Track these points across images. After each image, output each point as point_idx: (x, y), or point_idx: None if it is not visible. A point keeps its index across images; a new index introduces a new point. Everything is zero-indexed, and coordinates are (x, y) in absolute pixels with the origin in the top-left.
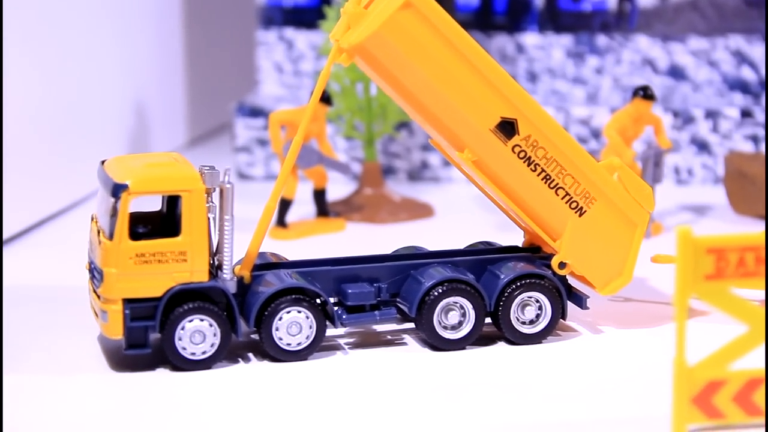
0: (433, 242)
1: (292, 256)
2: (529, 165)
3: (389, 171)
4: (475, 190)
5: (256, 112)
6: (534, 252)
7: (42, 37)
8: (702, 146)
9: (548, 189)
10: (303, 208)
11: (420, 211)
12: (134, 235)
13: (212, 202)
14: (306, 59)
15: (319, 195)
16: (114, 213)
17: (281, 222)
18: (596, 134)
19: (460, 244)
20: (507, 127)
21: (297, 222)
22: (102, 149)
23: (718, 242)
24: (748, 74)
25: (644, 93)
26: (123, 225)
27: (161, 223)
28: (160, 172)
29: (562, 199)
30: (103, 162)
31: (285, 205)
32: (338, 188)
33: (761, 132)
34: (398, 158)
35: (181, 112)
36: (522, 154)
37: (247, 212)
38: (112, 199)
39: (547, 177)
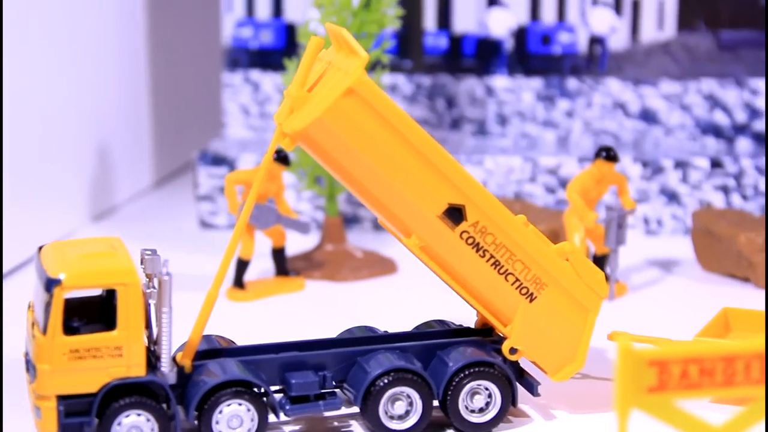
0: (394, 301)
1: (248, 318)
2: (477, 251)
3: (354, 220)
4: None
5: (219, 161)
6: (487, 334)
7: (4, 78)
8: (672, 197)
9: (497, 275)
10: (263, 264)
11: (382, 267)
12: (69, 329)
13: (153, 287)
14: (272, 101)
15: (278, 254)
16: (47, 307)
17: (239, 283)
18: (564, 183)
19: (421, 306)
20: (454, 214)
21: (255, 281)
22: (64, 192)
23: (660, 355)
24: (720, 118)
25: (607, 154)
26: (56, 320)
27: (101, 308)
28: (96, 265)
29: (512, 285)
30: (40, 248)
31: (242, 265)
32: (300, 242)
33: (731, 182)
34: (363, 208)
35: (146, 153)
36: (470, 241)
37: (208, 265)
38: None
39: (497, 263)
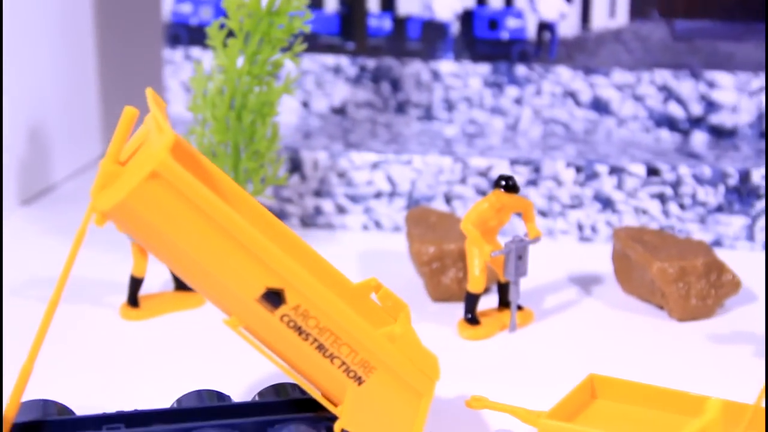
0: None
1: (138, 341)
2: (300, 335)
3: (281, 216)
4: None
5: None
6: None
7: None
8: (606, 203)
9: (323, 358)
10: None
11: None
12: None
13: None
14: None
15: None
16: None
17: (132, 300)
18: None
19: None
20: (273, 297)
21: (151, 297)
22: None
23: None
24: (675, 110)
25: (506, 185)
26: None
27: None
28: None
29: (339, 368)
30: None
31: (135, 283)
32: None
33: (668, 191)
34: (291, 203)
35: (87, 131)
36: (291, 324)
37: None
38: None
39: (321, 346)
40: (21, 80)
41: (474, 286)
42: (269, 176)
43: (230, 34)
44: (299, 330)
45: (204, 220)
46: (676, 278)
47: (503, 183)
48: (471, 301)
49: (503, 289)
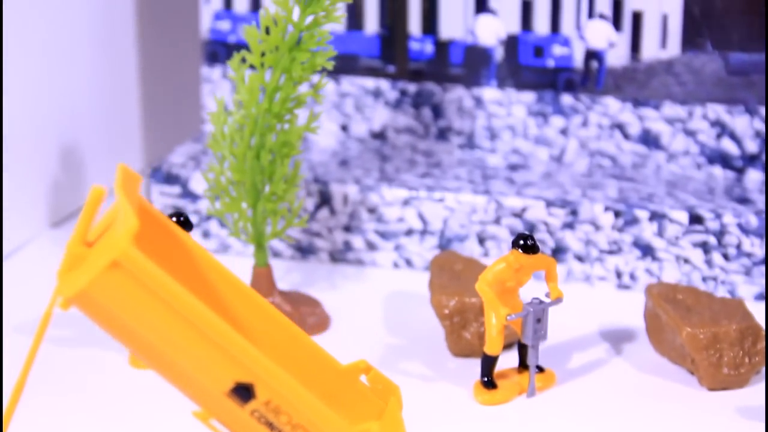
0: None
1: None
2: (271, 430)
3: (310, 251)
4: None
5: (172, 179)
6: None
7: None
8: (646, 250)
9: None
10: None
11: (311, 324)
12: None
13: None
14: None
15: None
16: None
17: None
18: (531, 229)
19: None
20: (243, 392)
21: None
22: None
23: None
24: (729, 146)
25: (524, 245)
26: None
27: None
28: None
29: None
30: None
31: None
32: None
33: (711, 240)
34: (320, 238)
35: (122, 150)
36: (262, 420)
37: None
38: None
39: None
40: (57, 97)
41: (491, 348)
42: (288, 218)
43: (252, 67)
44: (270, 426)
45: (169, 311)
46: (707, 345)
47: (521, 243)
48: (487, 363)
49: (523, 350)
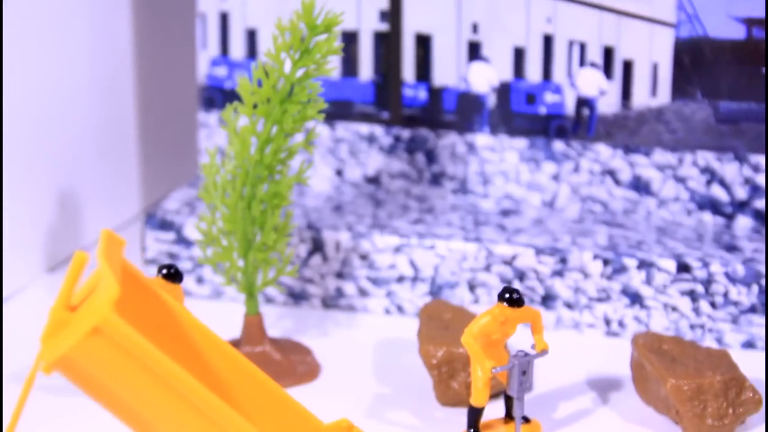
0: None
1: None
2: None
3: (302, 296)
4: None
5: (166, 225)
6: None
7: None
8: (634, 298)
9: None
10: None
11: (301, 373)
12: None
13: None
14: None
15: None
16: None
17: None
18: (521, 276)
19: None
20: None
21: None
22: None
23: None
24: (719, 193)
25: (509, 298)
26: None
27: None
28: None
29: None
30: None
31: None
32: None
33: (699, 288)
34: (312, 284)
35: (117, 194)
36: None
37: None
38: None
39: None
40: (54, 141)
41: (477, 400)
42: (279, 267)
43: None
44: None
45: (150, 375)
46: (691, 396)
47: (507, 296)
48: (474, 414)
49: (509, 400)
